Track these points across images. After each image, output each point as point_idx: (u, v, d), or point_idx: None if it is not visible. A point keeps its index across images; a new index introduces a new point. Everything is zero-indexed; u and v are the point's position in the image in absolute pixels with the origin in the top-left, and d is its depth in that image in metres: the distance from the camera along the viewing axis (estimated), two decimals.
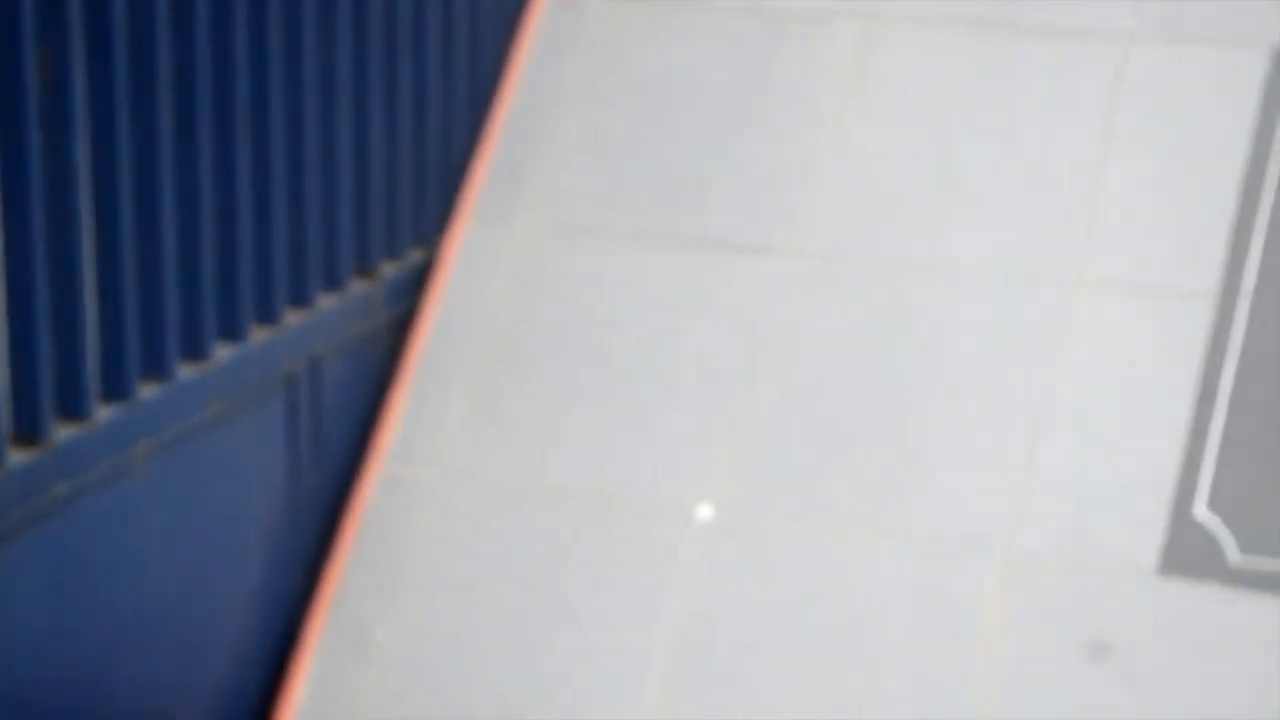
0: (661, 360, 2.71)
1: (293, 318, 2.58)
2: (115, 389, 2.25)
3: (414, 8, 2.76)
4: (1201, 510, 2.47)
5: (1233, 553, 2.45)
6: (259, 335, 2.51)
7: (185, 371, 2.37)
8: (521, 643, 2.59)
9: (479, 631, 2.60)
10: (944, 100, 2.76)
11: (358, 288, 2.72)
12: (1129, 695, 2.41)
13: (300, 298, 2.59)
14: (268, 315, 2.52)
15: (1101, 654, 2.38)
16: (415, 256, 2.85)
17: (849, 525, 2.57)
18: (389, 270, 2.79)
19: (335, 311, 2.67)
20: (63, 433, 2.17)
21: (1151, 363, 2.55)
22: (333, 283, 2.66)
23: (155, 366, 2.31)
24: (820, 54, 2.84)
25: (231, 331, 2.45)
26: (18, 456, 2.10)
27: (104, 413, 2.23)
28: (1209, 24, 2.70)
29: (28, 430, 2.12)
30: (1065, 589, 2.48)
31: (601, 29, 2.94)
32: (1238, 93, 2.66)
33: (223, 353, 2.44)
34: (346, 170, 2.65)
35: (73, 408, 2.18)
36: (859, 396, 2.63)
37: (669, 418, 2.68)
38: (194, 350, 2.38)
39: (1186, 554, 2.46)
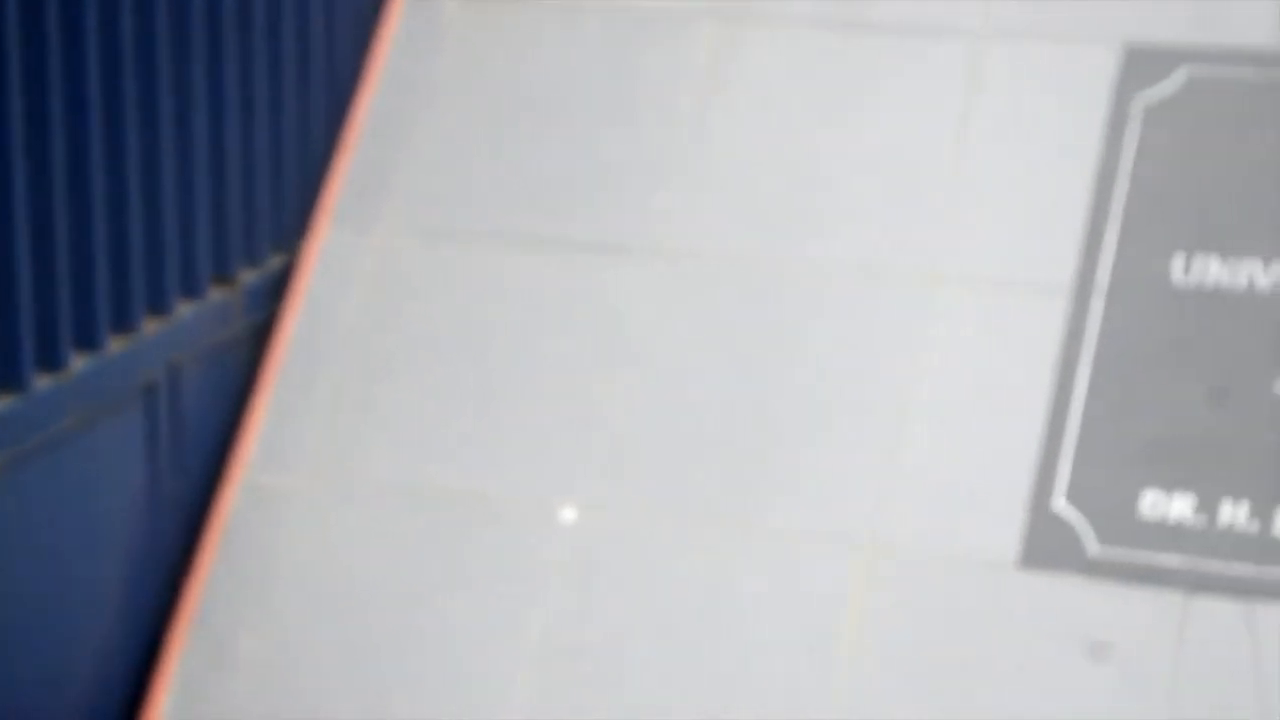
0: (525, 362, 2.71)
1: (151, 326, 2.55)
2: None
3: (268, 9, 2.74)
4: (1060, 503, 2.50)
5: (1091, 544, 2.48)
6: (116, 344, 2.48)
7: (41, 382, 2.34)
8: (388, 647, 2.58)
9: (344, 637, 2.59)
10: (802, 99, 2.78)
11: (216, 295, 2.70)
12: (991, 686, 2.43)
13: (158, 306, 2.57)
14: (125, 324, 2.50)
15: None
16: (275, 262, 2.83)
17: (713, 524, 2.57)
18: (248, 276, 2.77)
19: (194, 319, 2.64)
20: None
21: (1009, 358, 2.58)
22: (191, 290, 2.64)
23: (10, 378, 2.28)
24: (680, 55, 2.84)
25: (88, 341, 2.43)
26: None
27: None
28: (1061, 22, 2.73)
29: None
30: (927, 583, 2.49)
31: (460, 31, 2.93)
32: (1090, 89, 2.69)
33: (79, 362, 2.41)
34: (203, 175, 2.62)
35: None
36: (721, 395, 2.63)
37: (533, 419, 2.68)
38: (50, 360, 2.35)
39: (1046, 546, 2.49)
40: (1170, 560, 2.45)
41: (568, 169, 2.81)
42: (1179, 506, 2.46)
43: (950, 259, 2.65)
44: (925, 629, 2.47)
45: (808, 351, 2.63)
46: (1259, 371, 2.50)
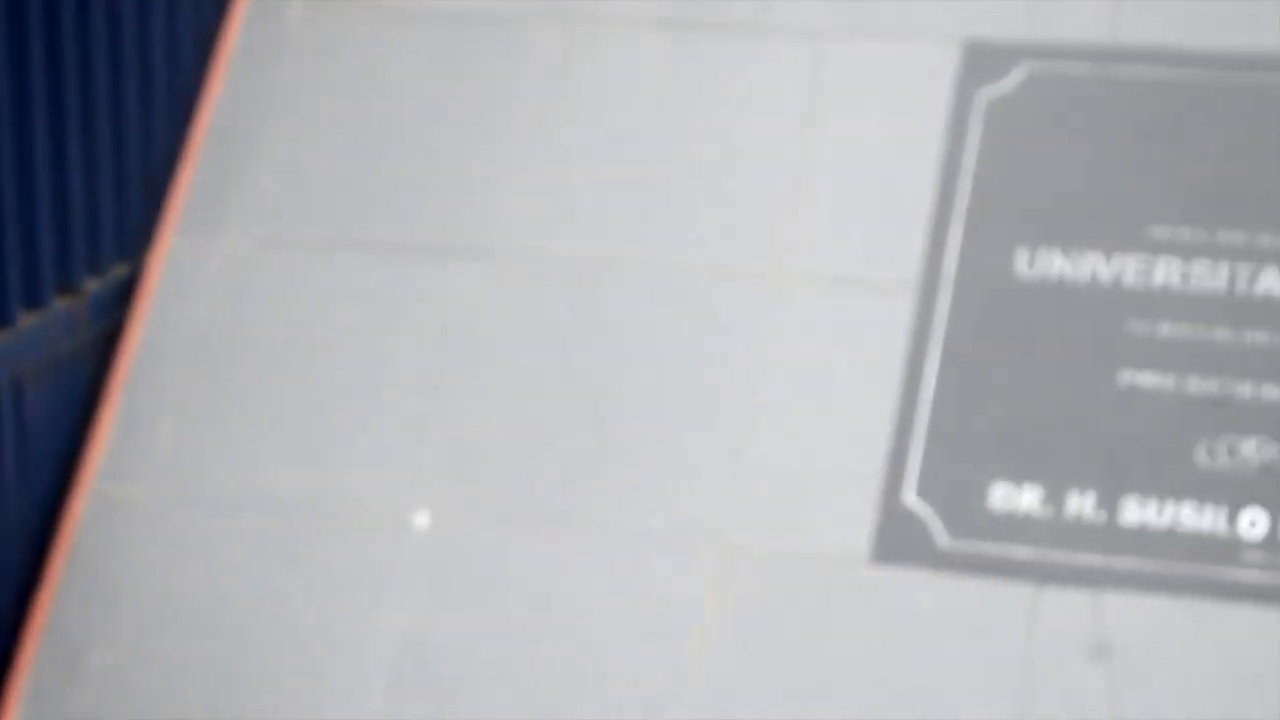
0: (372, 368, 2.70)
1: None
2: None
3: (108, 14, 2.71)
4: (910, 497, 2.52)
5: (942, 537, 2.50)
6: None
7: None
8: (239, 658, 2.56)
9: (195, 648, 2.56)
10: (645, 100, 2.78)
11: (60, 304, 2.67)
12: (845, 683, 2.45)
13: (0, 317, 2.54)
14: None
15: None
16: (120, 271, 2.80)
17: (562, 525, 2.57)
18: (92, 286, 2.74)
19: (37, 330, 2.61)
20: None
21: (856, 355, 2.59)
22: (33, 300, 2.61)
23: None
24: (522, 57, 2.84)
25: None
26: None
27: None
28: (901, 20, 2.76)
29: None
30: (778, 580, 2.50)
31: (303, 39, 2.92)
32: (931, 87, 2.71)
33: None
34: (44, 183, 2.59)
35: None
36: (568, 396, 2.63)
37: (381, 425, 2.66)
38: None
39: (897, 540, 2.50)
40: (1020, 552, 2.47)
41: (411, 174, 2.80)
42: (1027, 498, 2.49)
43: (795, 257, 2.66)
44: (776, 625, 2.48)
45: (653, 351, 2.64)
46: (1103, 363, 2.53)
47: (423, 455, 2.64)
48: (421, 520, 2.60)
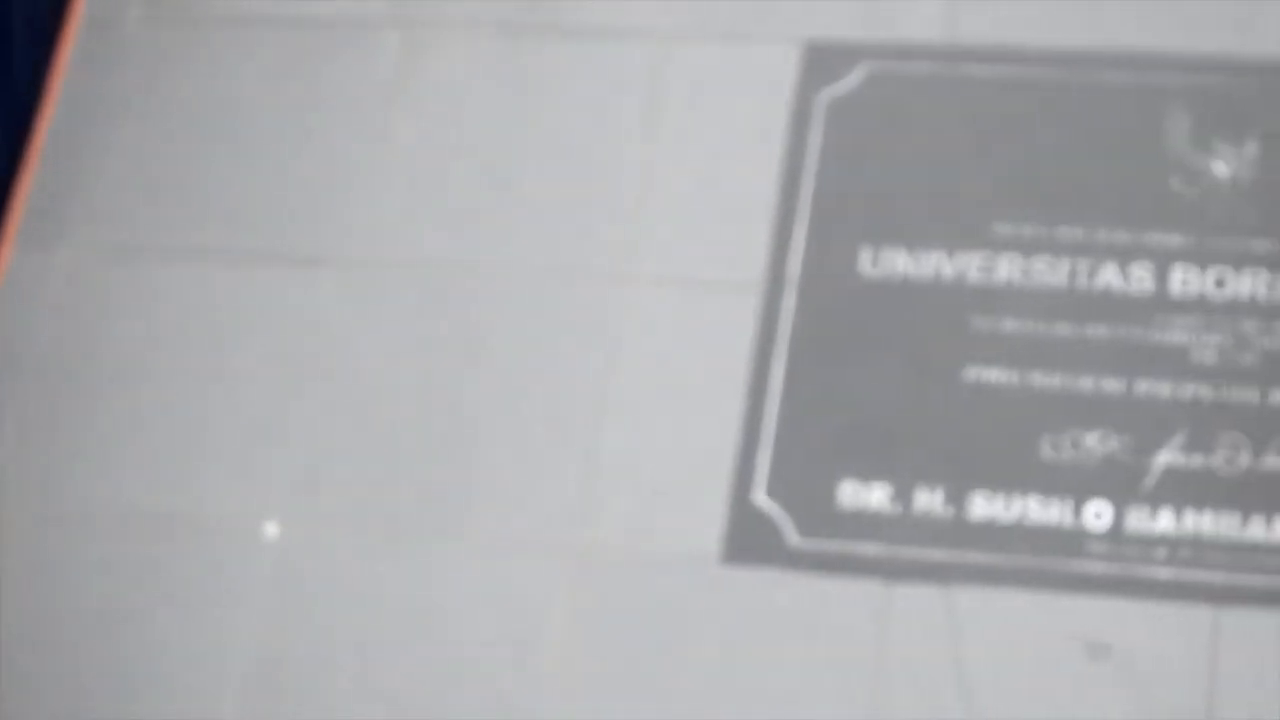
0: (220, 378, 2.67)
1: None
2: None
3: None
4: (760, 497, 2.53)
5: (792, 536, 2.51)
6: None
7: None
8: (96, 670, 2.53)
9: (46, 666, 2.53)
10: (489, 104, 2.78)
11: None
12: (700, 683, 2.45)
13: None
14: None
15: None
16: None
17: (415, 533, 2.56)
18: None
19: None
20: None
21: (704, 356, 2.60)
22: None
23: None
24: (364, 63, 2.83)
25: None
26: None
27: None
28: (742, 21, 2.76)
29: None
30: (632, 582, 2.51)
31: (142, 48, 2.89)
32: (773, 87, 2.72)
33: None
34: None
35: None
36: (417, 402, 2.62)
37: (230, 436, 2.64)
38: None
39: (747, 540, 2.51)
40: (869, 549, 2.49)
41: (256, 182, 2.78)
42: (876, 495, 2.51)
43: (641, 259, 2.66)
44: (631, 628, 2.48)
45: (501, 356, 2.63)
46: (948, 359, 2.55)
47: (273, 465, 2.62)
48: (272, 531, 2.58)
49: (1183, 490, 2.46)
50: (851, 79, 2.71)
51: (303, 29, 2.87)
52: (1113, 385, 2.52)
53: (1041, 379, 2.53)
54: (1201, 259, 2.56)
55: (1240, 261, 2.55)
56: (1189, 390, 2.50)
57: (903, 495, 2.50)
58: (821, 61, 2.73)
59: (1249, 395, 2.49)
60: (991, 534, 2.48)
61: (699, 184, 2.69)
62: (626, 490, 2.55)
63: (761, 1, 2.77)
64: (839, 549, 2.50)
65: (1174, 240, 2.57)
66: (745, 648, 2.46)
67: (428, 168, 2.76)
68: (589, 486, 2.56)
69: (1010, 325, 2.56)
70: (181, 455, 2.64)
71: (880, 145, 2.67)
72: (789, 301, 2.61)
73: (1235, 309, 2.53)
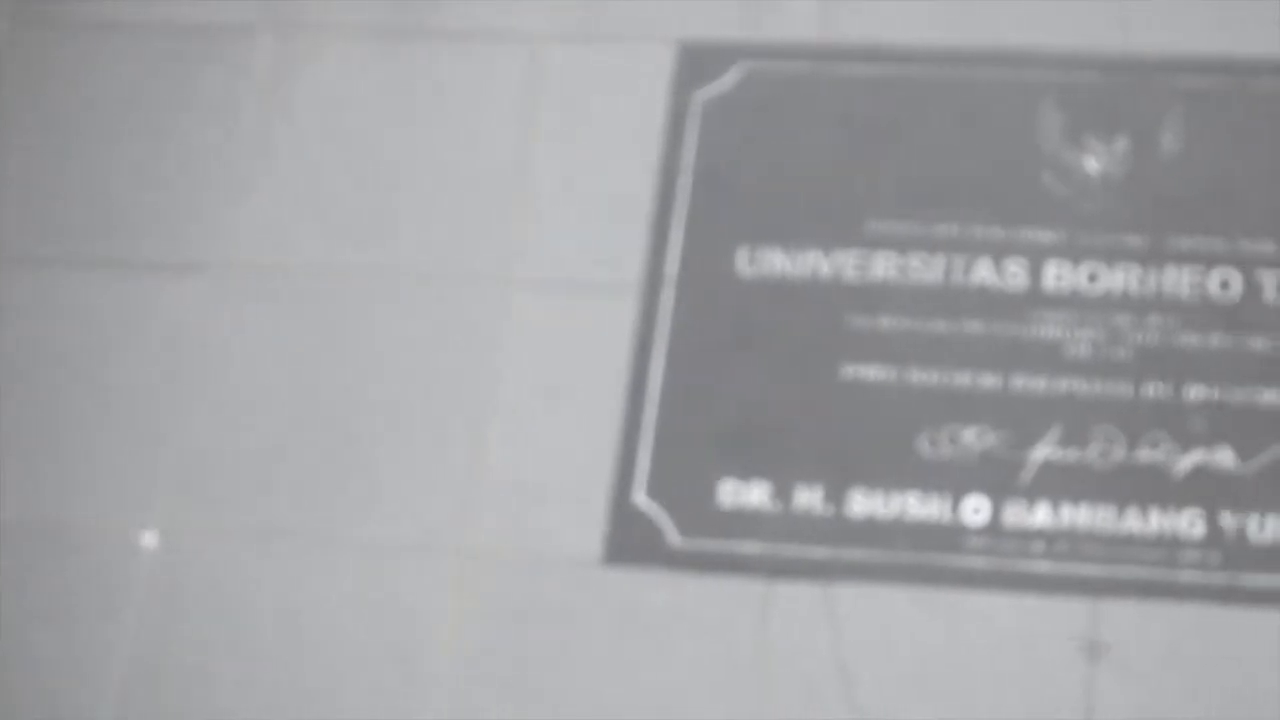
0: (98, 386, 2.65)
1: None
2: None
3: None
4: (641, 498, 2.53)
5: (673, 536, 2.51)
6: None
7: None
8: None
9: None
10: (366, 107, 2.77)
11: None
12: (585, 684, 2.45)
13: None
14: None
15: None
16: None
17: (297, 540, 2.55)
18: None
19: None
20: None
21: (584, 357, 2.60)
22: None
23: None
24: (239, 67, 2.81)
25: None
26: None
27: None
28: (618, 22, 2.77)
29: None
30: (516, 585, 2.51)
31: (15, 54, 2.86)
32: (649, 88, 2.73)
33: None
34: None
35: None
36: (300, 409, 2.61)
37: (109, 445, 2.62)
38: None
39: (629, 541, 2.52)
40: (750, 547, 2.50)
41: (130, 189, 2.76)
42: (756, 494, 2.51)
43: (520, 261, 2.66)
44: (515, 630, 2.48)
45: (382, 360, 2.63)
46: (825, 358, 2.57)
47: (152, 474, 2.60)
48: (150, 540, 2.57)
49: (1059, 484, 2.49)
50: (727, 79, 2.72)
51: (175, 34, 2.85)
52: (989, 381, 2.54)
53: (919, 375, 2.55)
54: (1074, 254, 2.58)
55: (1112, 257, 2.58)
56: (1064, 385, 2.53)
57: (782, 493, 2.51)
58: (697, 62, 2.73)
59: (1122, 389, 2.52)
60: (871, 530, 2.49)
61: (576, 185, 2.69)
62: (509, 493, 2.55)
63: (638, 3, 2.77)
64: (719, 548, 2.50)
65: (1047, 236, 2.60)
66: (628, 648, 2.47)
67: (304, 172, 2.75)
68: (471, 490, 2.56)
69: (887, 323, 2.58)
70: (59, 464, 2.62)
71: (756, 145, 2.68)
72: (667, 302, 2.62)
73: (1108, 304, 2.56)
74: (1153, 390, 2.51)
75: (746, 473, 2.53)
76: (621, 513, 2.53)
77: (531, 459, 2.56)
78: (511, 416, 2.58)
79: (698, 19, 2.75)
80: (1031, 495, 2.49)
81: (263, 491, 2.58)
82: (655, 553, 2.51)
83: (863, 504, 2.50)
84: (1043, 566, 2.46)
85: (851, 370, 2.56)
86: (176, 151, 2.78)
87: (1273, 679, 2.38)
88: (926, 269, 2.60)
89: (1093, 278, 2.57)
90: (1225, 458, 2.47)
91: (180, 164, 2.77)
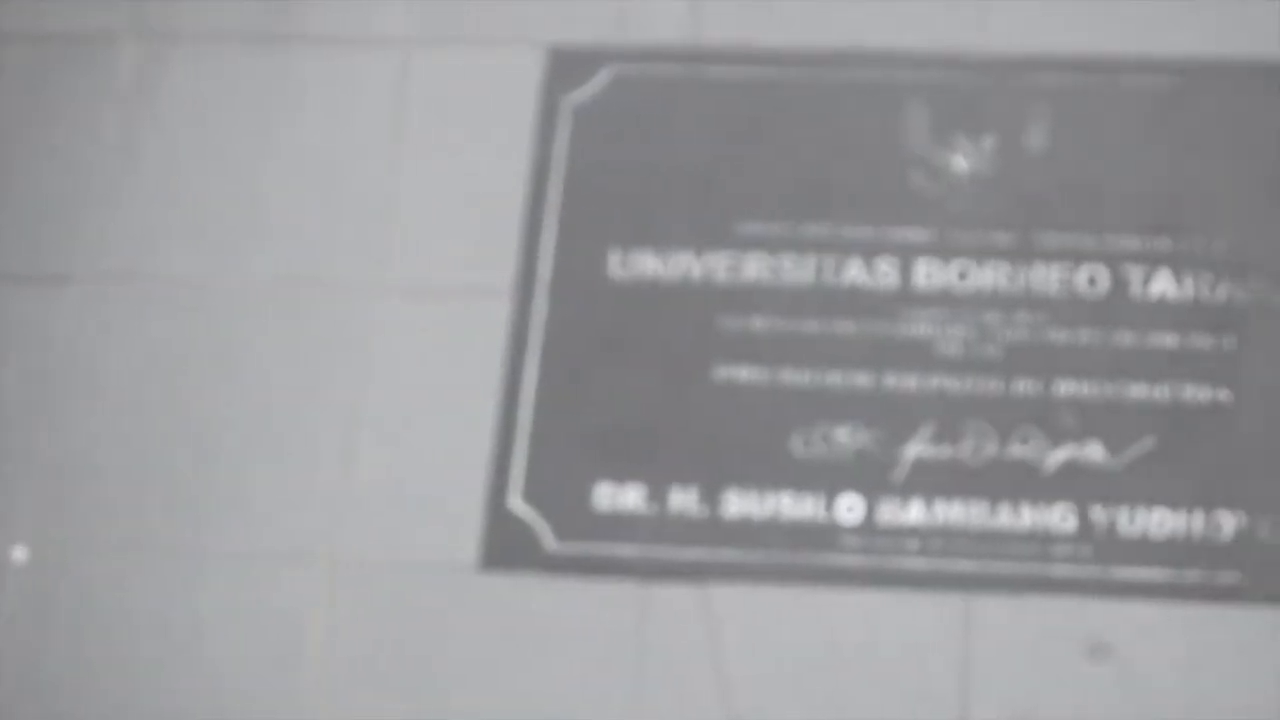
0: None
1: None
2: None
3: None
4: (516, 502, 2.53)
5: (549, 540, 2.51)
6: None
7: None
8: None
9: None
10: (233, 114, 2.75)
11: None
12: (462, 692, 2.45)
13: None
14: None
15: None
16: None
17: (168, 552, 2.53)
18: None
19: None
20: None
21: (457, 362, 2.59)
22: None
23: None
24: (105, 76, 2.78)
25: None
26: None
27: None
28: (487, 26, 2.76)
29: None
30: (390, 592, 2.50)
31: None
32: (519, 92, 2.72)
33: None
34: None
35: None
36: (170, 420, 2.59)
37: None
38: None
39: (504, 546, 2.51)
40: (626, 550, 2.50)
41: None
42: (631, 497, 2.52)
43: (390, 267, 2.65)
44: (391, 638, 2.48)
45: (252, 370, 2.61)
46: (698, 359, 2.57)
47: (21, 488, 2.58)
48: (20, 555, 2.54)
49: (932, 481, 2.50)
50: (596, 82, 2.72)
51: (38, 42, 2.81)
52: (861, 380, 2.55)
53: (791, 375, 2.56)
54: (944, 253, 2.60)
55: (982, 254, 2.60)
56: (935, 382, 2.54)
57: (658, 495, 2.52)
58: (566, 65, 2.73)
59: (993, 385, 2.54)
60: (746, 531, 2.50)
61: (447, 191, 2.68)
62: (382, 500, 2.54)
63: (505, 6, 2.76)
64: (595, 552, 2.50)
65: (917, 235, 2.61)
66: (506, 653, 2.46)
67: (172, 181, 2.72)
68: (344, 497, 2.55)
69: (759, 323, 2.59)
70: None
71: (627, 148, 2.68)
72: (540, 306, 2.61)
73: (978, 301, 2.58)
74: (1023, 386, 2.53)
75: (621, 476, 2.53)
76: (497, 518, 2.52)
77: (405, 465, 2.55)
78: (384, 423, 2.57)
79: (567, 22, 2.75)
80: (905, 493, 2.50)
81: (134, 504, 2.56)
82: (531, 557, 2.51)
83: (737, 505, 2.51)
84: (917, 563, 2.47)
85: (724, 371, 2.57)
86: (41, 162, 2.75)
87: (1143, 669, 2.40)
88: (798, 269, 2.61)
89: (963, 275, 2.59)
90: (1095, 452, 2.49)
91: (46, 174, 2.74)
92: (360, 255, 2.66)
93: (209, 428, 2.59)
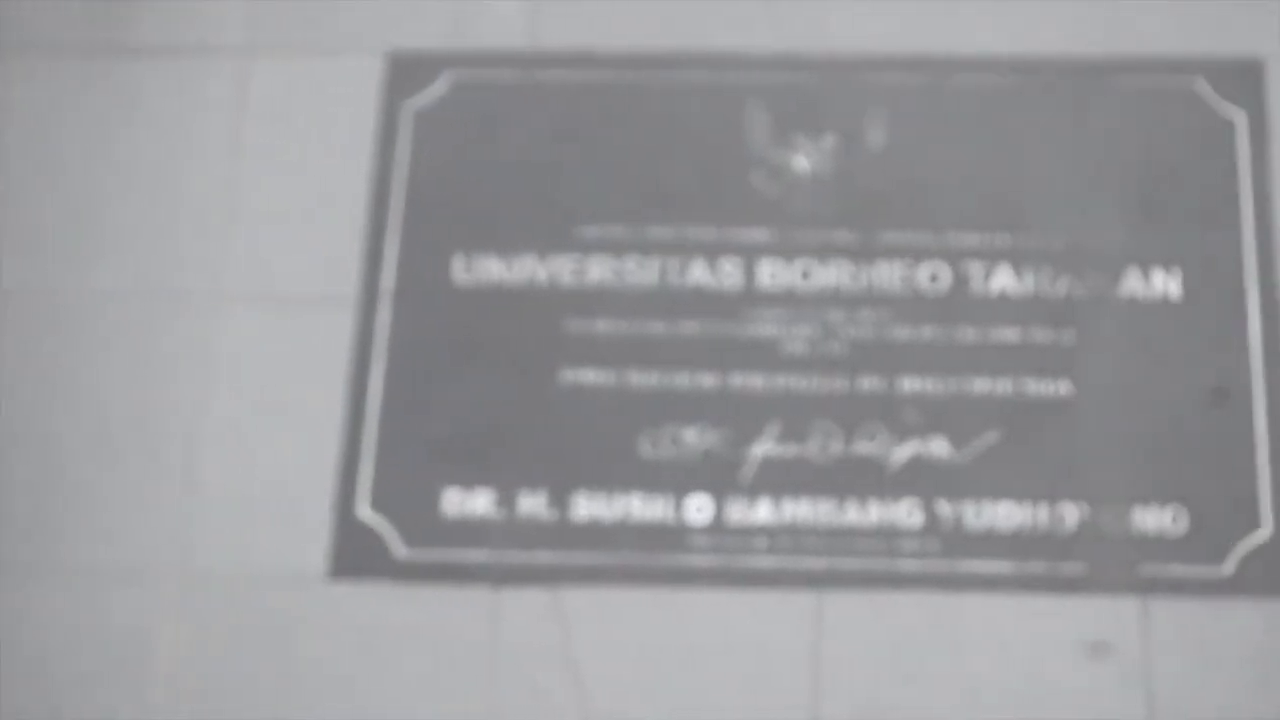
0: None
1: None
2: None
3: None
4: (365, 510, 2.52)
5: (399, 548, 2.50)
6: None
7: None
8: None
9: None
10: (71, 129, 2.72)
11: None
12: (314, 703, 2.44)
13: None
14: None
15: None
16: None
17: (12, 569, 2.51)
18: None
19: None
20: None
21: (302, 372, 2.58)
22: None
23: None
24: None
25: None
26: None
27: None
28: (325, 34, 2.75)
29: None
30: (238, 604, 2.48)
31: None
32: (359, 99, 2.71)
33: None
34: None
35: None
36: (7, 433, 2.56)
37: None
38: None
39: (354, 555, 2.50)
40: (476, 555, 2.50)
41: None
42: (480, 502, 2.51)
43: (232, 277, 2.63)
44: (240, 650, 2.46)
45: (94, 383, 2.58)
46: (544, 363, 2.57)
47: None
48: None
49: (780, 479, 2.52)
50: (436, 88, 2.72)
51: None
52: (708, 380, 2.56)
53: (638, 377, 2.56)
54: (787, 252, 2.62)
55: (824, 253, 2.62)
56: (781, 381, 2.56)
57: (507, 500, 2.52)
58: (405, 72, 2.72)
59: (838, 383, 2.55)
60: (596, 533, 2.50)
61: (288, 200, 2.67)
62: (228, 512, 2.52)
63: (344, 14, 2.75)
64: (446, 558, 2.50)
65: (760, 235, 2.63)
66: (358, 663, 2.45)
67: (9, 195, 2.69)
68: (189, 510, 2.53)
69: (604, 326, 2.59)
70: None
71: (468, 153, 2.68)
72: (384, 313, 2.61)
73: (821, 300, 2.59)
74: (868, 384, 2.55)
75: (470, 481, 2.52)
76: (345, 526, 2.51)
77: (251, 476, 2.54)
78: (229, 435, 2.56)
79: (406, 29, 2.74)
80: (753, 492, 2.51)
81: None
82: (381, 565, 2.50)
83: (586, 507, 2.51)
84: (766, 562, 2.49)
85: (571, 375, 2.57)
86: None
87: (988, 661, 2.43)
88: (642, 271, 2.61)
89: (806, 275, 2.60)
90: (940, 447, 2.52)
91: None
92: (202, 266, 2.64)
93: (50, 441, 2.56)
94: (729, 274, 2.61)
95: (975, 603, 2.46)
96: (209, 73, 2.73)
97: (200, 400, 2.57)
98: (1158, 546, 2.47)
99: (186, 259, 2.64)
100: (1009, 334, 2.57)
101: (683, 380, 2.56)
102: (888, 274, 2.60)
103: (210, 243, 2.65)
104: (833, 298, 2.59)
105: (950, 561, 2.48)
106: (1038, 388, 2.54)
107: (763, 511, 2.51)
